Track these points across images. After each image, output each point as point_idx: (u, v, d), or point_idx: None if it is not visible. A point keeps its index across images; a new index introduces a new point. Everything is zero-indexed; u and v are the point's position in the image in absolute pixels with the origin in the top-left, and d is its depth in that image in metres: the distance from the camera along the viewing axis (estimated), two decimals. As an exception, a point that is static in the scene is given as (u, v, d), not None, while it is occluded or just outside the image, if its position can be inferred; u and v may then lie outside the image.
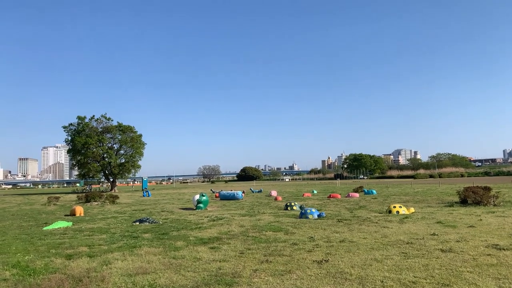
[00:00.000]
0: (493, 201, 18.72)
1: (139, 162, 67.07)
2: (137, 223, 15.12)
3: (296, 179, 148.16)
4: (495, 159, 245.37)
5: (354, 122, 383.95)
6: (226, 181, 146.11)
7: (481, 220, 13.18)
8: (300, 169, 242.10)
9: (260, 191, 44.29)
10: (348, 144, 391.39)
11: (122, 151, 66.43)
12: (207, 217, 16.87)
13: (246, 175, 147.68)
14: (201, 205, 20.97)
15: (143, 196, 41.11)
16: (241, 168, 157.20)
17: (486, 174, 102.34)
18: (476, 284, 5.85)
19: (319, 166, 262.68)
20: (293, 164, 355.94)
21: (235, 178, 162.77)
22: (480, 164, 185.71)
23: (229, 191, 32.66)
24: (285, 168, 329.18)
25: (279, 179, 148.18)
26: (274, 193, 35.08)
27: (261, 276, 6.73)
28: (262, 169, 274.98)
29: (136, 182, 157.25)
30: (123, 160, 65.59)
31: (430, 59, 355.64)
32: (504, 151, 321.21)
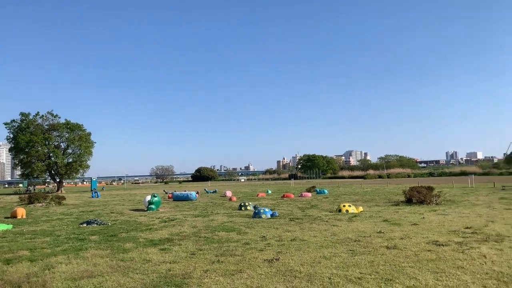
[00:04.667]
0: (436, 200, 19.82)
1: (88, 162, 64.34)
2: (84, 225, 14.53)
3: (251, 179, 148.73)
4: (438, 161, 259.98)
5: (308, 123, 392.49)
6: (180, 182, 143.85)
7: (423, 218, 13.90)
8: (255, 170, 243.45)
9: (215, 191, 44.05)
10: (303, 145, 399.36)
11: (69, 150, 63.41)
12: (159, 218, 16.52)
13: (201, 175, 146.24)
14: (152, 206, 20.50)
15: (92, 197, 39.54)
16: (196, 168, 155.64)
17: (430, 174, 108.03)
18: (416, 278, 6.16)
19: (274, 166, 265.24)
20: (249, 165, 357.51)
21: (190, 179, 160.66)
22: (425, 165, 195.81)
23: (183, 192, 32.20)
24: (241, 169, 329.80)
25: (234, 180, 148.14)
26: (228, 193, 35.02)
27: (212, 276, 6.69)
28: (217, 170, 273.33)
29: (85, 182, 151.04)
30: (70, 160, 62.64)
31: (383, 59, 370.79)
32: (447, 153, 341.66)
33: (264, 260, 7.75)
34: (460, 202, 20.11)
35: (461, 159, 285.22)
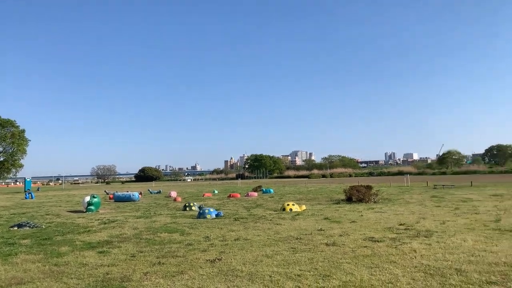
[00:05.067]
0: (374, 198, 20.82)
1: (21, 161, 60.29)
2: (15, 228, 13.57)
3: (198, 179, 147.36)
4: (378, 161, 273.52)
5: (256, 124, 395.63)
6: (122, 182, 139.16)
7: (362, 216, 14.53)
8: (202, 170, 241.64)
9: (159, 192, 43.06)
10: (251, 145, 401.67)
11: (0, 148, 59.08)
12: (98, 220, 15.85)
13: (145, 175, 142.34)
14: (91, 207, 19.62)
15: (25, 198, 37.04)
16: (140, 168, 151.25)
17: (370, 174, 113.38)
18: (353, 273, 6.42)
19: (222, 166, 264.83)
20: (195, 164, 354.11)
21: (133, 179, 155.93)
22: (365, 165, 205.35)
23: (125, 192, 31.13)
24: (187, 169, 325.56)
25: (180, 180, 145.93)
26: (173, 193, 34.39)
27: (152, 278, 6.53)
28: (163, 170, 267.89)
29: (18, 182, 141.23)
30: (1, 159, 58.34)
31: (333, 60, 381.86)
32: (385, 154, 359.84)
33: (207, 261, 7.70)
34: (396, 200, 21.27)
35: (399, 159, 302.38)
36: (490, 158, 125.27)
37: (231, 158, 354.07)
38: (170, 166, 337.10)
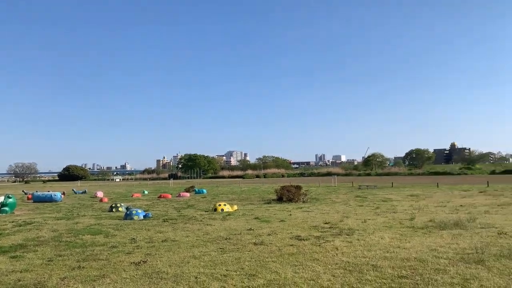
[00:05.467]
0: (303, 198, 21.53)
1: None
2: None
3: (128, 179, 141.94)
4: (309, 162, 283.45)
5: (191, 123, 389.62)
6: (44, 181, 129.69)
7: (290, 215, 14.95)
8: (133, 169, 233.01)
9: (84, 192, 40.80)
10: (185, 145, 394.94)
11: None
12: (13, 222, 14.62)
13: (70, 174, 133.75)
14: (6, 208, 18.04)
15: None
16: (64, 166, 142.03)
17: (302, 175, 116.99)
18: (277, 272, 6.57)
19: (154, 166, 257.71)
20: (125, 164, 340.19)
21: (56, 178, 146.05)
22: (297, 166, 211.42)
23: (45, 192, 29.07)
24: (116, 168, 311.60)
25: (109, 179, 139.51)
26: (99, 194, 32.77)
27: (70, 284, 6.17)
28: (89, 168, 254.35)
29: None
30: None
31: (265, 61, 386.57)
32: (316, 155, 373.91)
33: (131, 263, 7.44)
34: (323, 200, 22.19)
35: (328, 161, 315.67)
36: (410, 161, 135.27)
37: (164, 158, 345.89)
38: (97, 165, 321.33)
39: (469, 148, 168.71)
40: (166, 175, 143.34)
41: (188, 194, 30.92)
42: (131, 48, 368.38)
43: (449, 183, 39.29)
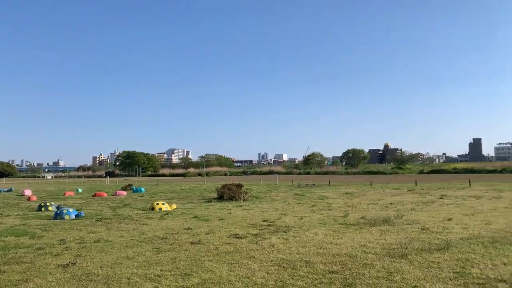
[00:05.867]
0: (243, 196, 21.66)
1: None
2: None
3: (60, 176, 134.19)
4: (252, 161, 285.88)
5: (130, 119, 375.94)
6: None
7: (230, 213, 14.99)
8: (66, 166, 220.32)
9: (10, 190, 37.94)
10: (123, 141, 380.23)
11: None
12: None
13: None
14: None
15: None
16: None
17: (244, 173, 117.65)
18: (213, 270, 6.55)
19: (89, 163, 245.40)
20: (58, 160, 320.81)
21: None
22: (240, 164, 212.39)
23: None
24: (48, 164, 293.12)
25: (39, 176, 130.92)
26: (27, 192, 30.61)
27: (-13, 290, 5.70)
28: (17, 165, 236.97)
29: None
30: None
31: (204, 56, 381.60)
32: (259, 154, 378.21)
33: (59, 266, 7.04)
34: (263, 198, 22.51)
35: (271, 160, 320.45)
36: (347, 160, 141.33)
37: (101, 155, 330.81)
38: (27, 161, 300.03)
39: (401, 149, 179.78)
40: (103, 172, 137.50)
41: (125, 193, 29.85)
42: (55, 36, 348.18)
43: (382, 182, 41.59)
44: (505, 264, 6.52)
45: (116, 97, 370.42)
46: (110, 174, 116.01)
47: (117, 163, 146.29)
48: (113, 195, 28.55)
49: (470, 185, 30.89)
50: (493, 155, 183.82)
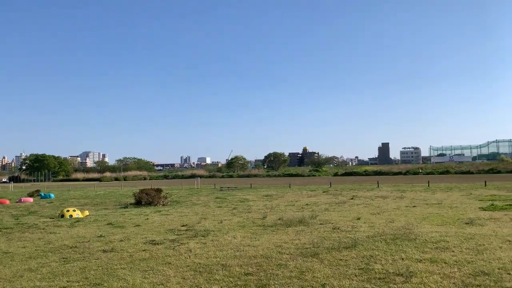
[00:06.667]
0: (163, 201, 21.11)
1: None
2: None
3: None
4: (174, 164, 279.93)
5: (38, 120, 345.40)
6: None
7: (147, 219, 14.51)
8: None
9: None
10: (31, 143, 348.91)
11: None
12: None
13: None
14: None
15: None
16: None
17: (165, 177, 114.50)
18: (125, 279, 6.30)
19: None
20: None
21: None
22: (161, 168, 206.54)
23: None
24: None
25: None
26: None
27: None
28: None
29: None
30: None
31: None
32: (181, 157, 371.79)
33: None
34: (184, 202, 22.16)
35: (193, 163, 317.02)
36: (268, 163, 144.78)
37: (4, 157, 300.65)
38: None
39: (318, 153, 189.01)
40: (6, 177, 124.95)
41: (31, 199, 27.44)
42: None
43: (300, 184, 43.29)
44: (403, 259, 7.17)
45: (24, 94, 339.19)
46: (14, 179, 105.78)
47: (24, 167, 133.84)
48: (17, 202, 26.07)
49: (378, 186, 33.44)
50: (399, 158, 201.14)
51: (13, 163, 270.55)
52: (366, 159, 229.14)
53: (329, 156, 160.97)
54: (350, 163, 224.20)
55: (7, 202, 25.48)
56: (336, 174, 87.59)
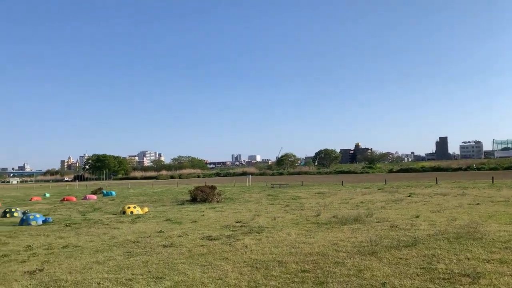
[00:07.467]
0: (217, 198, 21.58)
1: None
2: None
3: (26, 181, 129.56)
4: (225, 162, 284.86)
5: (100, 122, 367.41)
6: None
7: (203, 215, 14.91)
8: (33, 170, 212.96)
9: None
10: (93, 144, 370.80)
11: None
12: None
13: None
14: None
15: None
16: None
17: (218, 175, 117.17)
18: (186, 273, 6.51)
19: (58, 166, 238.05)
20: (24, 164, 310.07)
21: None
22: (214, 166, 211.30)
23: None
24: (13, 169, 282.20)
25: (4, 182, 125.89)
26: (-8, 198, 29.44)
27: None
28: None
29: None
30: None
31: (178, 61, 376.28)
32: (232, 155, 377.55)
33: (25, 272, 6.82)
34: (237, 199, 22.50)
35: (244, 161, 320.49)
36: (319, 160, 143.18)
37: (69, 158, 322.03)
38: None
39: (371, 149, 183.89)
40: (72, 176, 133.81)
41: (95, 197, 29.17)
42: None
43: (353, 181, 42.38)
44: (468, 259, 6.79)
45: (86, 100, 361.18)
46: (79, 178, 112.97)
47: (87, 167, 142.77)
48: (82, 199, 27.85)
49: (436, 183, 31.92)
50: (459, 153, 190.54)
51: (77, 163, 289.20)
52: (422, 154, 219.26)
53: (383, 152, 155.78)
54: (406, 159, 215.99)
55: (74, 199, 27.31)
56: (391, 171, 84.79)
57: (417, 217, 12.36)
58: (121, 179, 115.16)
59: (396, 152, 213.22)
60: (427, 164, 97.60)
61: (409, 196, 20.65)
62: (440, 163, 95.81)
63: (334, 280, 5.82)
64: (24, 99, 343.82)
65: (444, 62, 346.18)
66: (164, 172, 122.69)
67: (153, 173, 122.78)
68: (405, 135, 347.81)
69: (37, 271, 6.87)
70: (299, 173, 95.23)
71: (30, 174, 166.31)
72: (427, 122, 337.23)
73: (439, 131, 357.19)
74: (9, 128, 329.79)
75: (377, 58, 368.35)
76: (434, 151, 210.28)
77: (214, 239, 9.55)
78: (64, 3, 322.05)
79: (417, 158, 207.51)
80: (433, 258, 6.94)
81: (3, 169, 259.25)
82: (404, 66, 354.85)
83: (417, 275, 5.94)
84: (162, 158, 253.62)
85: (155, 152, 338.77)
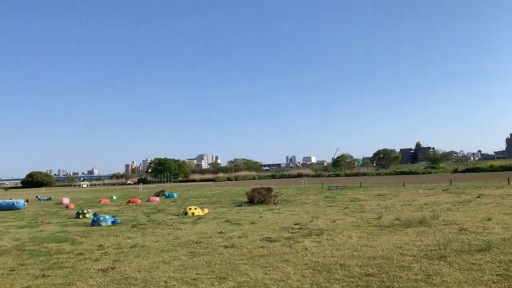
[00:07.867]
0: (274, 200, 21.66)
1: None
2: None
3: (95, 184, 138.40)
4: (280, 164, 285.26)
5: (160, 127, 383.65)
6: (6, 188, 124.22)
7: (261, 217, 15.02)
8: (100, 174, 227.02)
9: (49, 198, 39.46)
10: (154, 148, 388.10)
11: None
12: (-28, 232, 13.95)
13: (33, 181, 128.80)
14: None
15: None
16: (28, 173, 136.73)
17: (273, 177, 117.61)
18: (248, 274, 6.59)
19: (122, 170, 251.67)
20: (92, 169, 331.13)
21: (19, 185, 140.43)
22: (268, 168, 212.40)
23: (7, 200, 27.92)
24: (83, 173, 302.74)
25: (75, 185, 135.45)
26: (65, 200, 31.79)
27: (33, 294, 5.96)
28: (55, 174, 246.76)
29: None
30: None
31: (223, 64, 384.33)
32: (287, 157, 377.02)
33: (98, 270, 7.27)
34: (293, 201, 22.41)
35: (299, 162, 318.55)
36: (377, 161, 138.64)
37: (133, 162, 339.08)
38: (63, 171, 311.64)
39: (433, 147, 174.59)
40: (136, 179, 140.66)
41: (158, 199, 30.47)
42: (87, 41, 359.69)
43: (415, 182, 40.55)
44: (552, 265, 6.23)
45: (146, 106, 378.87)
46: (142, 181, 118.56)
47: (149, 170, 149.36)
48: (146, 201, 29.18)
49: (509, 183, 29.66)
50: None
51: (140, 166, 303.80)
52: (491, 152, 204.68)
53: (446, 151, 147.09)
54: (472, 158, 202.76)
55: (139, 201, 28.72)
56: (455, 171, 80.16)
57: (489, 219, 11.55)
58: (181, 181, 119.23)
59: (461, 151, 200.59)
60: (496, 163, 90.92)
61: (478, 197, 19.37)
62: (511, 161, 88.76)
63: (400, 285, 5.60)
64: (88, 111, 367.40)
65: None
66: (221, 175, 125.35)
67: (210, 176, 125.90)
68: (470, 132, 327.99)
69: (109, 269, 7.30)
70: (356, 175, 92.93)
71: (98, 178, 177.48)
72: (496, 118, 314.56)
73: (509, 127, 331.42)
74: (79, 136, 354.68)
75: (440, 56, 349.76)
76: (504, 149, 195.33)
77: (274, 241, 9.58)
78: (64, 3, 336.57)
79: (485, 157, 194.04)
80: (511, 264, 6.45)
81: (74, 173, 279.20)
82: (470, 62, 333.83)
83: (493, 282, 5.55)
84: (219, 161, 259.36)
85: (213, 155, 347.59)
